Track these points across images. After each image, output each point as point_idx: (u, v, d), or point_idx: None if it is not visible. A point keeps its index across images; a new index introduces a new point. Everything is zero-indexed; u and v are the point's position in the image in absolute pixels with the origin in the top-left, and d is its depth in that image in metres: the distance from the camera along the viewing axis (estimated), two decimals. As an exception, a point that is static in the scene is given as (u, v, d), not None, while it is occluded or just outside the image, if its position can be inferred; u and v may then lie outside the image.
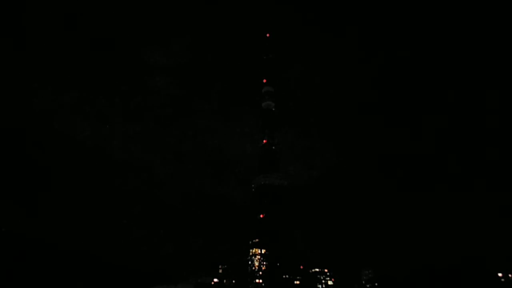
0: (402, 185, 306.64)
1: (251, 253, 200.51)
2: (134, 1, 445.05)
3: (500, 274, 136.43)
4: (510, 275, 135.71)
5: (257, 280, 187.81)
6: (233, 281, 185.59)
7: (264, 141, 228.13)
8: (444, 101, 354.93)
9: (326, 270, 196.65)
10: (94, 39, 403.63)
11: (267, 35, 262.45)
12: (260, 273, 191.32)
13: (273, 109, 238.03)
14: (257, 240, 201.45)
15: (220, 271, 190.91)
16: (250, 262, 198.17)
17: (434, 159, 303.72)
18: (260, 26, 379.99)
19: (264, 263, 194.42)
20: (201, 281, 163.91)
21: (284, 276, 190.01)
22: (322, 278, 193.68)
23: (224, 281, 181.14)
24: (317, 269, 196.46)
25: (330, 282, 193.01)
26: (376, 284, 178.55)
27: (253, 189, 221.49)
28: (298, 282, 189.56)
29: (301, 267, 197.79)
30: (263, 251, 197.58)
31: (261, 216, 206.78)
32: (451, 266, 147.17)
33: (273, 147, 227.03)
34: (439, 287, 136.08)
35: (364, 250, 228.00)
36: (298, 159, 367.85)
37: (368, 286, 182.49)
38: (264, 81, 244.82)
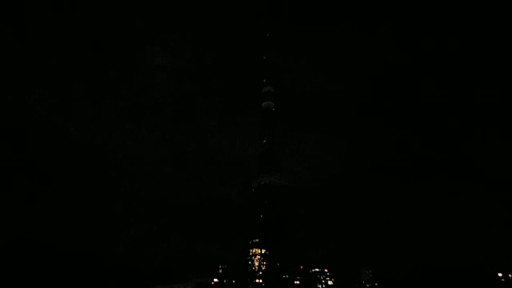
0: (402, 185, 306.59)
1: (251, 253, 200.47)
2: (139, 2, 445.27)
3: (500, 274, 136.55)
4: (510, 275, 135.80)
5: (257, 280, 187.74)
6: (233, 281, 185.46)
7: (264, 141, 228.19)
8: (444, 101, 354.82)
9: (326, 270, 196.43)
10: (96, 39, 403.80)
11: (267, 35, 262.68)
12: (260, 273, 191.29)
13: (273, 109, 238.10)
14: (257, 240, 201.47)
15: (220, 271, 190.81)
16: (250, 262, 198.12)
17: (434, 160, 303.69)
18: (260, 26, 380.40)
19: (264, 263, 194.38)
20: (201, 281, 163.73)
21: (284, 276, 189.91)
22: (322, 278, 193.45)
23: (224, 281, 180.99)
24: (317, 269, 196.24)
25: (330, 282, 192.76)
26: (376, 284, 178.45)
27: (253, 189, 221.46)
28: (298, 282, 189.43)
29: (301, 267, 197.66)
30: (263, 251, 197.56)
31: (261, 216, 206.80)
32: (451, 266, 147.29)
33: (273, 147, 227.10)
34: (439, 287, 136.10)
35: (364, 250, 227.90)
36: (298, 159, 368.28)
37: (368, 286, 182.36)
38: (264, 81, 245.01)
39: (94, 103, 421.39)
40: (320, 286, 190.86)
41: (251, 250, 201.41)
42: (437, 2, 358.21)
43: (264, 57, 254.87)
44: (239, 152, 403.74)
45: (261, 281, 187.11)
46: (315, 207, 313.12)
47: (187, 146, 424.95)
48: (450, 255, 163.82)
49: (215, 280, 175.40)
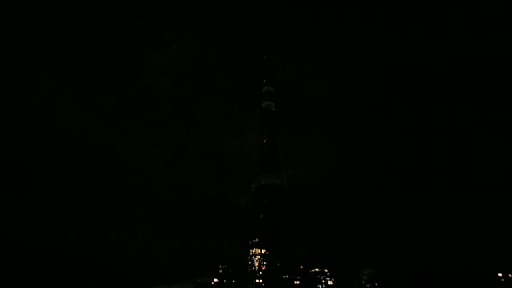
0: (402, 185, 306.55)
1: (251, 253, 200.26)
2: (139, 2, 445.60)
3: (500, 274, 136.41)
4: (510, 275, 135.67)
5: (257, 280, 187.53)
6: (233, 281, 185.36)
7: (264, 141, 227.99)
8: (444, 101, 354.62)
9: (326, 270, 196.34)
10: (99, 40, 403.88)
11: (267, 35, 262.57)
12: (260, 273, 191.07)
13: (273, 109, 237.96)
14: (257, 240, 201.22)
15: (220, 271, 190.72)
16: (250, 262, 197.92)
17: (434, 160, 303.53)
18: (260, 26, 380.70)
19: (264, 263, 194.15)
20: (201, 281, 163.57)
21: (284, 276, 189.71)
22: (322, 278, 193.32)
23: (224, 281, 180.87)
24: (317, 269, 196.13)
25: (330, 282, 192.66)
26: (376, 284, 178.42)
27: (253, 189, 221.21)
28: (298, 282, 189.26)
29: (301, 267, 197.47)
30: (263, 251, 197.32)
31: (261, 216, 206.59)
32: (451, 266, 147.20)
33: (273, 147, 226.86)
34: (439, 287, 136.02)
35: (364, 250, 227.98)
36: (298, 159, 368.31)
37: (368, 286, 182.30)
38: (264, 81, 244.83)
39: (94, 103, 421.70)
40: (320, 286, 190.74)
41: (251, 250, 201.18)
42: (438, 1, 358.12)
43: (264, 57, 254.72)
44: (239, 152, 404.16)
45: (261, 281, 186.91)
46: (315, 207, 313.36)
47: (187, 146, 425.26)
48: (450, 255, 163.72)
49: (215, 280, 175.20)
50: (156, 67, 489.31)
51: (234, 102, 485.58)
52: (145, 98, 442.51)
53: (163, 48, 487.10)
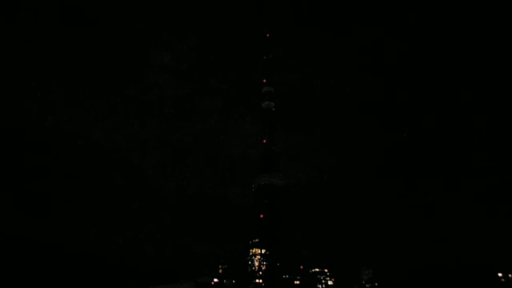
0: (402, 185, 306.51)
1: (251, 253, 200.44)
2: (140, 2, 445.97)
3: (500, 274, 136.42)
4: (510, 275, 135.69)
5: (257, 280, 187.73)
6: (233, 281, 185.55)
7: (264, 141, 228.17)
8: (444, 101, 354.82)
9: (326, 270, 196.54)
10: (99, 40, 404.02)
11: (267, 35, 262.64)
12: (260, 273, 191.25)
13: (273, 109, 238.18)
14: (257, 240, 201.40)
15: (220, 271, 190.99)
16: (250, 262, 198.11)
17: (434, 160, 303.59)
18: (260, 26, 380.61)
19: (264, 263, 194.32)
20: (201, 281, 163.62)
21: (284, 276, 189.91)
22: (322, 278, 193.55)
23: (224, 281, 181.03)
24: (317, 269, 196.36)
25: (330, 282, 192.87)
26: (376, 284, 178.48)
27: (253, 189, 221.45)
28: (298, 282, 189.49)
29: (301, 267, 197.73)
30: (263, 251, 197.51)
31: (261, 216, 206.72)
32: (451, 266, 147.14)
33: (273, 147, 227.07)
34: (439, 287, 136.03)
35: (364, 250, 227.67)
36: (298, 159, 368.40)
37: (368, 286, 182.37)
38: (264, 81, 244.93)
39: (95, 103, 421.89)
40: (320, 286, 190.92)
41: (251, 250, 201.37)
42: (441, 3, 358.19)
43: (264, 57, 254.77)
44: (239, 152, 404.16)
45: (261, 281, 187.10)
46: (315, 207, 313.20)
47: (187, 146, 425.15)
48: (450, 254, 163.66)
49: (215, 280, 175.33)
50: (156, 67, 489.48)
51: (234, 102, 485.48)
52: (145, 98, 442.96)
53: (163, 48, 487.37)
